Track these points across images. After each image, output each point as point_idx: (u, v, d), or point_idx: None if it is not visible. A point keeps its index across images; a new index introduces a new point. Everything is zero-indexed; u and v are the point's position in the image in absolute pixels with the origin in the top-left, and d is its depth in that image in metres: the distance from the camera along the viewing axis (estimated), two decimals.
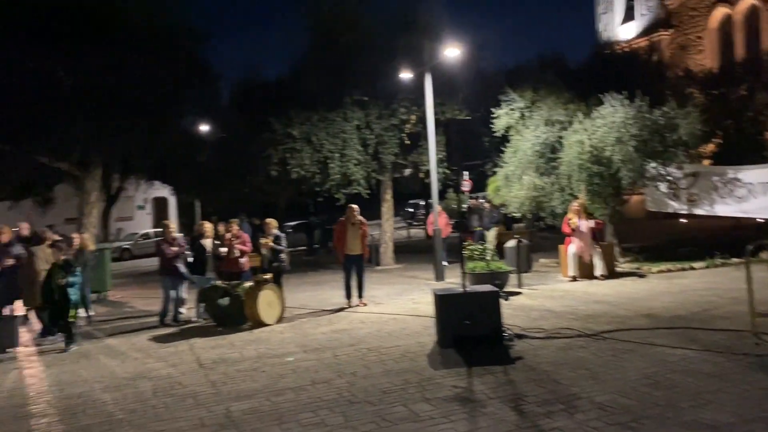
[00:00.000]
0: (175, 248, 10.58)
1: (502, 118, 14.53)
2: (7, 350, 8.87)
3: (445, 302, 7.21)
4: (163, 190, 34.30)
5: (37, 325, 10.22)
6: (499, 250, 13.12)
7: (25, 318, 10.47)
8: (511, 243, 12.66)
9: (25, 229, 11.14)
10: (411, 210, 36.35)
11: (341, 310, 10.47)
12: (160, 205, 38.07)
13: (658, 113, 12.76)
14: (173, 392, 6.23)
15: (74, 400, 6.24)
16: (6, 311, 9.28)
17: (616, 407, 4.83)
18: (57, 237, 10.39)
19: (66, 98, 13.66)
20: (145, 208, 37.21)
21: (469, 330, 6.97)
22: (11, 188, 18.51)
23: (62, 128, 13.82)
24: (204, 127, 22.53)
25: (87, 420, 5.54)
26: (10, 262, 9.81)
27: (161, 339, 9.20)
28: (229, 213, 18.63)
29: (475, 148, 17.11)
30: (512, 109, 14.54)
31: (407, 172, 19.80)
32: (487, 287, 7.66)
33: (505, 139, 14.71)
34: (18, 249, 10.14)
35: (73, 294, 8.81)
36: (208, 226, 11.01)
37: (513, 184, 14.07)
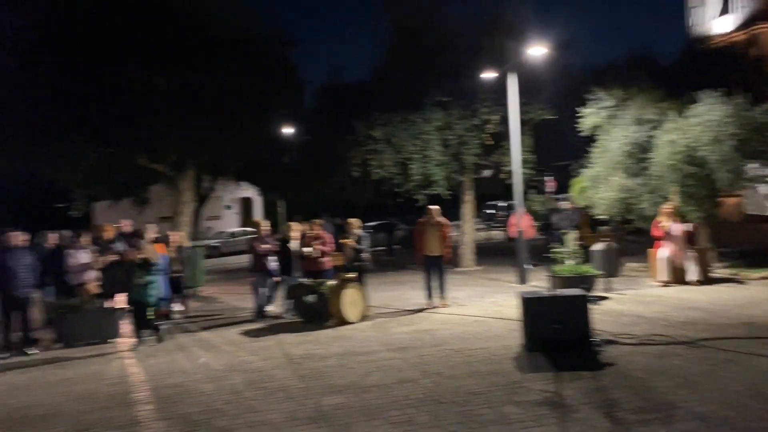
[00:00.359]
0: (266, 246, 10.98)
1: (589, 117, 14.12)
2: (109, 341, 9.47)
3: (532, 305, 7.11)
4: (249, 191, 35.51)
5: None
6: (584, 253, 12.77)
7: (126, 311, 11.10)
8: (599, 246, 12.29)
9: (127, 226, 11.81)
10: (490, 211, 35.89)
11: (422, 310, 10.51)
12: (246, 205, 39.46)
13: (759, 111, 12.04)
14: (265, 385, 6.47)
15: (173, 389, 6.59)
16: (109, 304, 9.86)
17: (717, 418, 4.63)
18: (157, 234, 10.94)
19: (163, 104, 14.41)
20: (232, 208, 38.61)
21: (557, 334, 6.84)
22: (113, 188, 19.65)
23: (159, 132, 14.60)
24: (289, 130, 23.19)
25: (186, 409, 5.85)
26: (113, 257, 10.43)
27: (251, 333, 9.55)
28: (311, 213, 19.07)
29: (562, 149, 16.72)
30: (600, 108, 14.11)
31: (487, 173, 19.62)
32: (576, 291, 7.49)
33: (591, 139, 14.30)
34: (120, 245, 10.78)
35: (153, 292, 9.11)
36: (294, 228, 11.30)
37: (600, 185, 13.64)
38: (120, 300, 10.67)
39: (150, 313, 9.15)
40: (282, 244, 11.25)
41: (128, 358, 8.36)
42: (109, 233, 10.61)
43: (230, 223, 37.39)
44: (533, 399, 5.40)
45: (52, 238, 10.86)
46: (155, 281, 9.23)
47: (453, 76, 15.78)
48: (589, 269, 10.77)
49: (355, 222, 11.31)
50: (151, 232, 10.76)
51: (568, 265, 10.62)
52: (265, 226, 11.58)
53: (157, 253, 9.86)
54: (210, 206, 29.97)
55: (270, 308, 10.95)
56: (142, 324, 9.17)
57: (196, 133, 14.87)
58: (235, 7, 16.05)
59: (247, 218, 39.19)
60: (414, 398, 5.66)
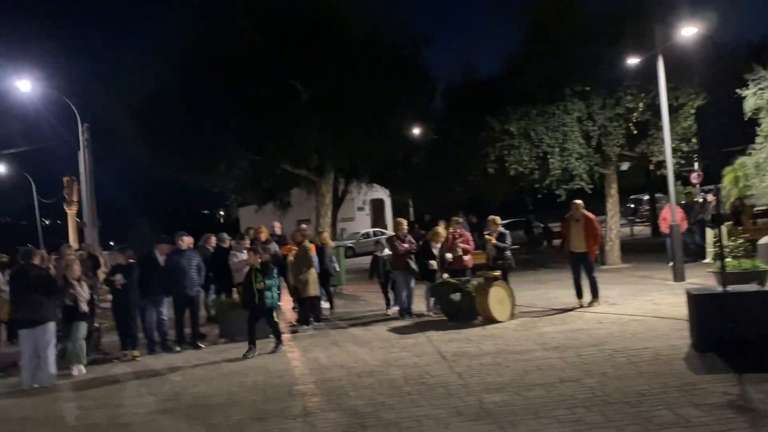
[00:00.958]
0: (406, 245, 11.14)
1: (750, 99, 12.95)
2: (270, 336, 10.03)
3: (703, 303, 6.63)
4: (380, 192, 36.32)
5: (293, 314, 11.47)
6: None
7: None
8: (765, 239, 11.24)
9: (278, 228, 12.52)
10: (633, 206, 34.03)
11: (572, 309, 10.15)
12: (377, 206, 40.41)
13: None
14: (423, 381, 6.55)
15: (335, 383, 6.86)
16: None
17: None
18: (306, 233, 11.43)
19: (305, 112, 15.11)
20: (365, 209, 39.71)
21: (733, 333, 6.32)
22: (259, 194, 20.91)
23: (302, 139, 15.32)
24: (418, 130, 23.43)
25: (353, 402, 6.06)
26: (267, 257, 11.05)
27: (399, 330, 9.73)
28: (439, 212, 19.14)
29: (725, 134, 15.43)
30: (762, 89, 12.90)
31: (625, 165, 18.61)
32: (753, 286, 6.90)
33: (753, 123, 13.10)
34: (274, 246, 11.43)
35: (269, 298, 8.81)
36: (440, 230, 11.30)
37: (765, 173, 12.48)
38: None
39: (274, 317, 9.01)
40: (424, 245, 11.34)
41: (290, 352, 8.82)
42: (264, 235, 11.27)
43: (363, 224, 38.46)
44: (715, 402, 5.03)
45: (212, 241, 11.74)
46: (274, 285, 8.99)
47: (593, 64, 15.12)
48: (758, 263, 9.89)
49: (496, 219, 11.18)
50: (300, 233, 11.27)
51: (735, 260, 9.81)
52: (405, 224, 11.73)
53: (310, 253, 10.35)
54: (344, 208, 31.06)
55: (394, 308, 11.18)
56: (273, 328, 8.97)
57: (335, 137, 15.44)
58: (368, 10, 16.45)
59: (378, 219, 40.14)
60: (580, 398, 5.48)
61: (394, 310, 11.15)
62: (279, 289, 9.67)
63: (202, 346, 9.88)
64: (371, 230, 35.19)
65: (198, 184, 18.55)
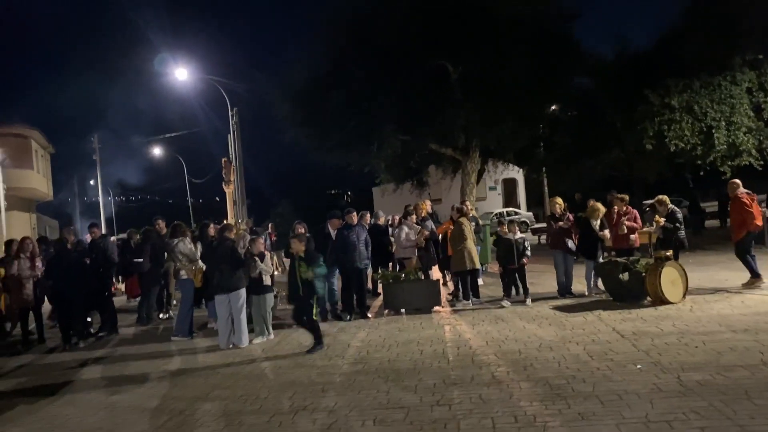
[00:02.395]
0: (561, 223, 11.00)
1: None
2: (433, 309, 10.37)
3: None
4: (513, 172, 35.79)
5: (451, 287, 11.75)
6: None
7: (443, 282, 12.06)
8: None
9: (428, 207, 12.77)
10: None
11: (748, 290, 9.61)
12: (509, 186, 39.86)
13: None
14: (609, 357, 6.52)
15: (516, 355, 6.99)
16: (431, 276, 10.80)
17: None
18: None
19: (454, 91, 15.23)
20: (497, 189, 39.34)
21: None
22: (398, 173, 21.35)
23: (450, 118, 15.48)
24: (558, 107, 22.79)
25: (541, 373, 6.17)
26: (426, 233, 11.37)
27: (563, 309, 9.66)
28: (579, 191, 18.50)
29: None
30: None
31: None
32: None
33: None
34: (430, 224, 11.71)
35: (320, 288, 8.45)
36: (600, 206, 11.05)
37: None
38: (435, 271, 11.62)
39: (314, 313, 8.57)
40: (581, 222, 11.14)
41: (456, 325, 9.07)
42: (424, 211, 11.57)
43: (495, 204, 38.13)
44: None
45: (367, 218, 12.19)
46: (322, 274, 8.46)
47: (766, 32, 13.98)
48: None
49: (665, 199, 10.75)
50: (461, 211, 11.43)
51: None
52: (560, 203, 11.55)
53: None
54: (477, 188, 31.00)
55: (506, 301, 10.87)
56: (303, 323, 8.35)
57: (483, 116, 15.45)
58: None
59: (510, 199, 39.61)
60: None
61: (507, 303, 10.35)
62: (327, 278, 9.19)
63: (369, 316, 10.40)
64: (504, 210, 34.83)
65: (347, 163, 19.32)
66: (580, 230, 11.05)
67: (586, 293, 10.75)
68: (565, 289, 10.86)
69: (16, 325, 10.81)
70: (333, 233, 10.52)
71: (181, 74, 28.55)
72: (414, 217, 11.16)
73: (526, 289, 10.56)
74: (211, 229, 11.11)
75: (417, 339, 8.34)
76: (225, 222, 9.26)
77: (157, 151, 47.08)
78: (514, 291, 10.85)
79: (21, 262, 10.22)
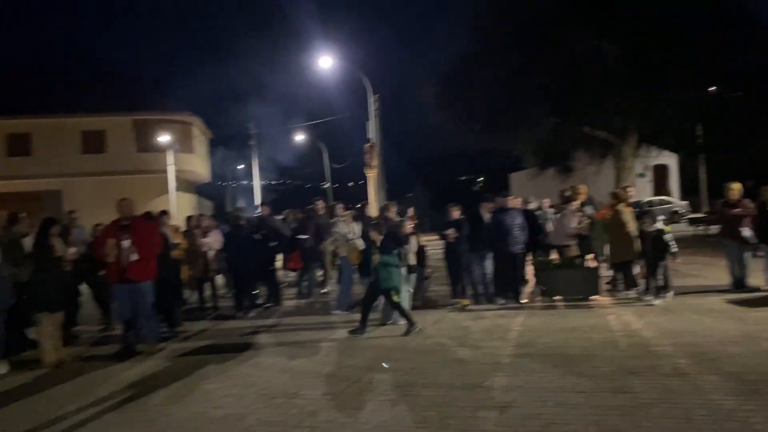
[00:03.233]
0: (738, 210, 10.16)
1: None
2: (591, 298, 10.03)
3: None
4: (665, 157, 33.53)
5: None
6: None
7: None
8: None
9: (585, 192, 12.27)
10: None
11: None
12: (659, 172, 37.41)
13: None
14: None
15: (696, 348, 6.59)
16: (589, 264, 10.41)
17: None
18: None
19: (610, 72, 14.54)
20: (646, 176, 37.06)
21: None
22: (543, 157, 20.76)
23: (606, 99, 14.80)
24: (722, 86, 20.96)
25: (729, 368, 5.78)
26: (589, 220, 10.88)
27: (739, 303, 8.98)
28: (741, 178, 16.84)
29: None
30: None
31: None
32: None
33: None
34: (590, 209, 11.28)
35: (385, 278, 8.28)
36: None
37: None
38: (593, 259, 11.22)
39: (396, 297, 8.41)
40: (762, 208, 10.22)
41: (621, 315, 8.73)
42: (582, 196, 11.17)
43: (643, 192, 35.92)
44: None
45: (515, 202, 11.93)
46: (392, 263, 8.37)
47: None
48: None
49: None
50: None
51: None
52: (737, 188, 10.66)
53: None
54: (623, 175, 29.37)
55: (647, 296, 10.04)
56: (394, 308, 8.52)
57: (642, 97, 14.60)
58: None
59: (660, 187, 37.17)
60: None
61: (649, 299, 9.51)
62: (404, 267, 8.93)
63: (524, 301, 10.28)
64: (654, 198, 32.74)
65: (493, 146, 19.17)
66: (760, 217, 10.15)
67: (766, 286, 9.88)
68: (739, 282, 10.06)
69: (194, 293, 11.87)
70: (486, 217, 10.48)
71: (325, 62, 29.73)
72: (576, 202, 10.81)
73: (660, 287, 9.59)
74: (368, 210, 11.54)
75: (581, 326, 8.13)
76: (385, 203, 9.54)
77: (299, 137, 49.29)
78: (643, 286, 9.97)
79: (198, 236, 11.20)
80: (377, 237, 8.52)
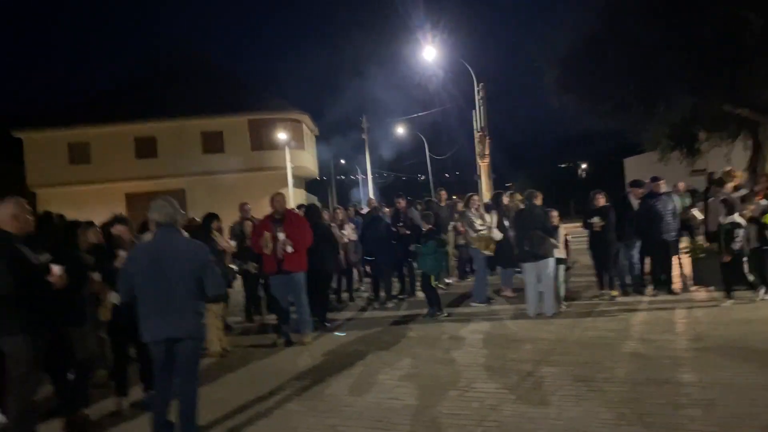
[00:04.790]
0: None
1: None
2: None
3: None
4: None
5: None
6: None
7: None
8: None
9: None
10: None
11: None
12: None
13: None
14: None
15: None
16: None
17: None
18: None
19: (756, 44, 13.36)
20: None
21: None
22: (676, 140, 19.42)
23: (751, 74, 13.64)
24: None
25: None
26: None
27: None
28: None
29: None
30: None
31: None
32: None
33: None
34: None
35: (424, 263, 9.37)
36: None
37: None
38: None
39: (432, 282, 9.40)
40: None
41: None
42: (737, 180, 10.36)
43: None
44: None
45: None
46: (429, 251, 9.36)
47: None
48: None
49: None
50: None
51: None
52: None
53: None
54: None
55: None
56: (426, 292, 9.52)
57: None
58: None
59: None
60: None
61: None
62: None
63: (677, 291, 9.69)
64: None
65: (622, 129, 18.22)
66: None
67: None
68: None
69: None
70: (635, 203, 9.94)
71: (429, 53, 29.51)
72: (729, 185, 10.02)
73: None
74: (505, 198, 11.27)
75: (755, 319, 7.53)
76: (530, 191, 9.25)
77: (400, 129, 49.35)
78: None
79: (334, 229, 11.36)
80: (426, 227, 9.67)
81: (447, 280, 12.37)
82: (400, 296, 11.37)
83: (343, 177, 64.70)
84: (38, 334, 4.67)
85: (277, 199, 8.38)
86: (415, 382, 6.10)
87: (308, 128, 37.86)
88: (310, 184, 44.54)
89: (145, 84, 33.96)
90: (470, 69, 28.94)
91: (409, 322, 9.31)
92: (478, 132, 25.62)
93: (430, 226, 9.73)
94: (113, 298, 5.68)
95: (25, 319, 4.55)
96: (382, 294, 10.96)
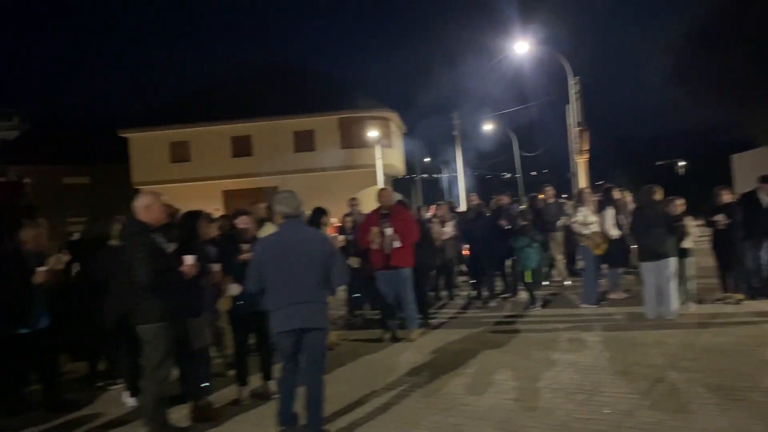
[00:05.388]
0: None
1: None
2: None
3: None
4: None
5: None
6: None
7: None
8: None
9: None
10: None
11: None
12: None
13: None
14: None
15: None
16: None
17: None
18: None
19: None
20: None
21: None
22: None
23: None
24: None
25: None
26: None
27: None
28: None
29: None
30: None
31: None
32: None
33: None
34: None
35: (526, 259, 9.75)
36: None
37: None
38: None
39: (528, 277, 9.86)
40: None
41: None
42: None
43: None
44: None
45: None
46: (521, 247, 9.80)
47: None
48: None
49: None
50: None
51: None
52: None
53: None
54: None
55: None
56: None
57: None
58: None
59: None
60: None
61: None
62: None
63: None
64: None
65: (739, 121, 17.16)
66: None
67: None
68: None
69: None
70: (765, 200, 9.19)
71: (521, 48, 28.75)
72: None
73: None
74: (615, 194, 10.71)
75: None
76: (649, 185, 8.74)
77: (488, 126, 48.49)
78: None
79: (435, 226, 11.20)
80: (520, 222, 9.96)
81: (547, 281, 11.97)
82: (503, 295, 11.08)
83: (426, 175, 64.40)
84: (173, 323, 4.80)
85: (384, 194, 8.34)
86: (536, 384, 5.86)
87: (396, 126, 37.94)
88: (396, 182, 44.63)
89: (241, 84, 35.10)
90: (565, 62, 28.07)
91: (515, 322, 9.04)
92: (577, 127, 24.71)
93: (525, 223, 9.85)
94: (234, 289, 5.77)
95: (162, 307, 4.68)
96: (485, 293, 10.72)
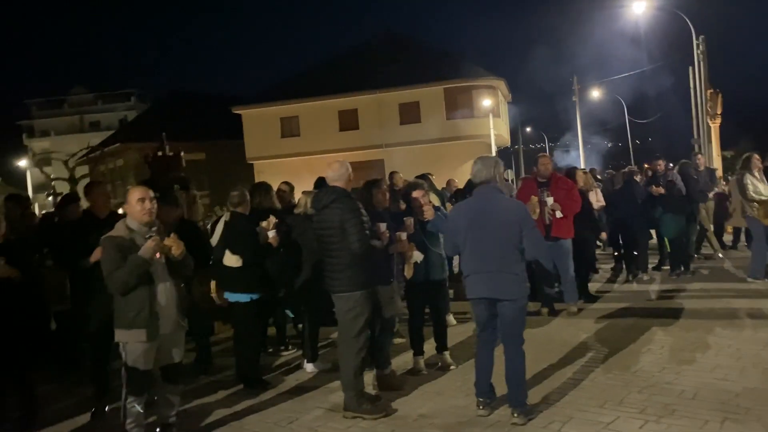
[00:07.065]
0: None
1: None
2: None
3: None
4: None
5: None
6: None
7: None
8: None
9: None
10: None
11: None
12: None
13: None
14: None
15: None
16: None
17: None
18: None
19: None
20: None
21: None
22: None
23: None
24: None
25: None
26: None
27: None
28: None
29: None
30: None
31: None
32: None
33: None
34: None
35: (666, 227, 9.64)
36: None
37: None
38: None
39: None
40: None
41: None
42: None
43: None
44: None
45: None
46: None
47: None
48: None
49: None
50: None
51: None
52: None
53: None
54: None
55: None
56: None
57: None
58: None
59: None
60: None
61: None
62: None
63: None
64: None
65: None
66: None
67: None
68: None
69: None
70: None
71: (638, 7, 26.94)
72: None
73: None
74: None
75: None
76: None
77: (596, 93, 46.16)
78: None
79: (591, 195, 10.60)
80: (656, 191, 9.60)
81: (697, 254, 11.20)
82: (656, 269, 10.49)
83: (531, 146, 62.40)
84: (371, 291, 4.77)
85: (543, 161, 7.96)
86: (741, 363, 5.40)
87: (503, 95, 36.96)
88: (501, 153, 43.67)
89: (346, 59, 35.34)
90: (688, 20, 26.19)
91: (675, 296, 8.49)
92: (708, 89, 22.98)
93: (661, 191, 9.58)
94: (417, 257, 5.68)
95: (365, 275, 4.66)
96: (633, 266, 10.16)
